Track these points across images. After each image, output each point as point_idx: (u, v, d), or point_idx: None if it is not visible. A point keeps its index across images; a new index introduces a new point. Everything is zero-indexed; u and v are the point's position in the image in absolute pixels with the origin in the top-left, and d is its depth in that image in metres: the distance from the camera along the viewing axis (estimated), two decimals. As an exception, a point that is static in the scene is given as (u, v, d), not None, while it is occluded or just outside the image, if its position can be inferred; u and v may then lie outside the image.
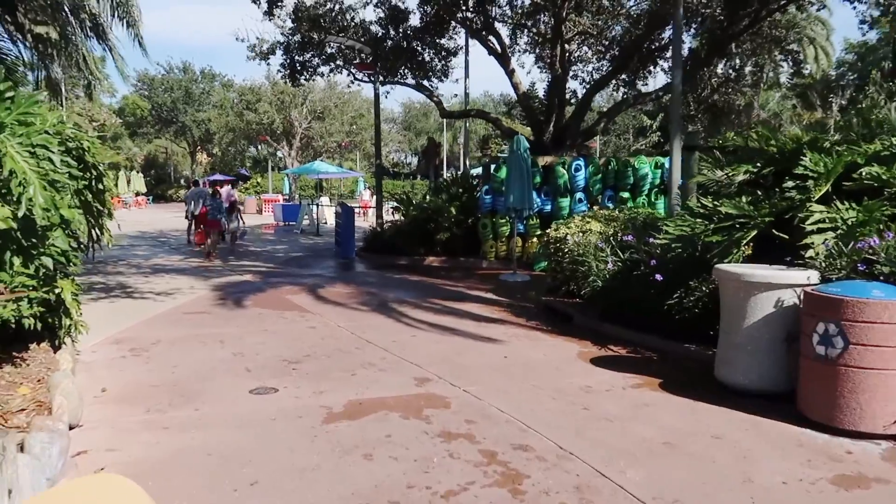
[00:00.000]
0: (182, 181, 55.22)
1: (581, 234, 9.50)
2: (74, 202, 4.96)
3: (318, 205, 24.05)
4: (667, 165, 13.71)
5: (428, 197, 16.53)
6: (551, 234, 10.06)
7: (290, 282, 11.79)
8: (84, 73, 16.96)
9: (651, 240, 7.31)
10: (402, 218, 16.32)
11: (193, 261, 14.71)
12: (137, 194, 47.70)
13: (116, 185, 45.41)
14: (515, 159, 12.26)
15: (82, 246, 5.77)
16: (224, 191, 18.50)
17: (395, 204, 16.97)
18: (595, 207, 14.36)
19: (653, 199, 13.70)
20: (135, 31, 16.27)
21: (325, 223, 24.96)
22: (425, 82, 18.36)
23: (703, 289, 6.65)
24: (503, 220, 14.23)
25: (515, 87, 14.86)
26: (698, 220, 7.03)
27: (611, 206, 13.67)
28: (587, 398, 5.37)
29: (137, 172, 51.82)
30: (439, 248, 14.79)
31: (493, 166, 14.67)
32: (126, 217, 32.77)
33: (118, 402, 5.07)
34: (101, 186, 5.08)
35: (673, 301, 6.81)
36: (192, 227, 17.99)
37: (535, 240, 14.09)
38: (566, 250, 9.44)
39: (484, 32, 14.72)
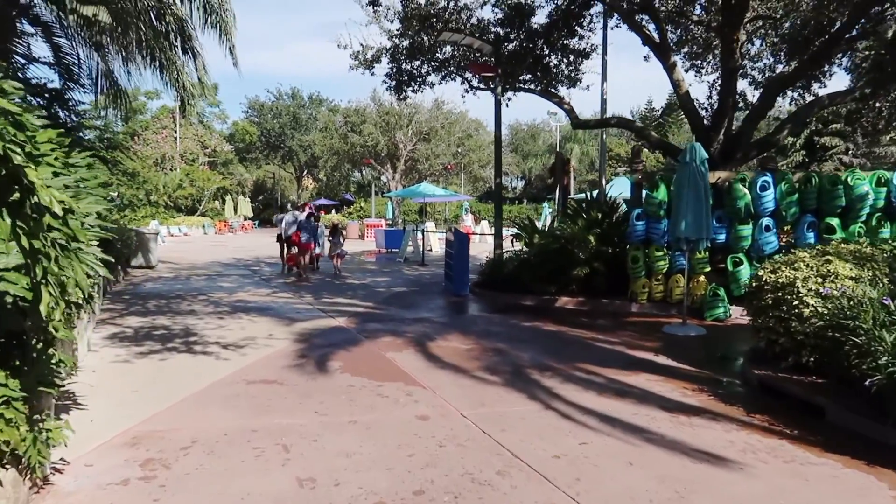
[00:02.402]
0: (289, 206, 55.23)
1: (821, 280, 6.35)
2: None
3: (423, 231, 21.70)
4: (895, 181, 10.23)
5: (556, 222, 13.70)
6: (766, 276, 6.92)
7: (391, 330, 9.24)
8: (176, 87, 15.48)
9: None
10: (525, 247, 13.55)
11: (281, 296, 12.53)
12: (245, 219, 47.82)
13: (224, 209, 45.81)
14: (690, 174, 9.20)
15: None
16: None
17: (517, 231, 14.21)
18: (783, 237, 11.09)
19: (873, 226, 10.18)
20: (228, 42, 14.69)
21: (430, 251, 22.61)
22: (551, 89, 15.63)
23: None
24: (659, 253, 11.14)
25: (676, 85, 11.76)
26: None
27: (812, 235, 10.30)
28: None
29: (246, 197, 52.13)
30: (575, 287, 11.85)
31: (645, 185, 11.65)
32: (229, 242, 32.05)
33: None
34: (34, 202, 2.60)
35: None
36: (284, 251, 17.25)
37: (701, 278, 10.89)
38: (795, 303, 6.32)
39: (639, 15, 11.71)
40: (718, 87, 12.64)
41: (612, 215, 12.70)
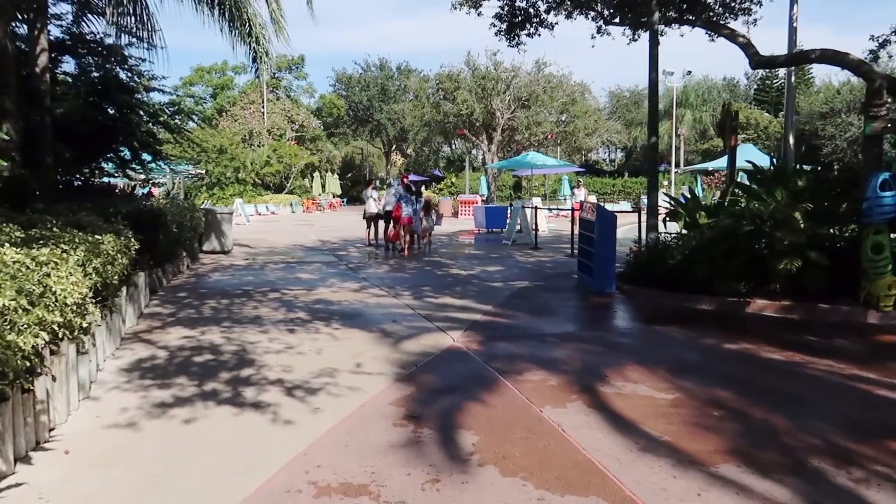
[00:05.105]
0: (378, 183, 53.16)
1: None
2: None
3: (533, 209, 18.48)
4: None
5: (728, 196, 10.20)
6: None
7: (533, 356, 6.19)
8: (247, 40, 12.93)
9: None
10: (685, 230, 10.17)
11: (371, 294, 9.72)
12: (333, 196, 46.06)
13: (311, 186, 44.11)
14: None
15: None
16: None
17: (671, 204, 10.75)
18: None
19: None
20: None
21: (534, 230, 19.33)
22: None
23: None
24: (920, 239, 7.54)
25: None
26: None
27: None
28: None
29: (334, 174, 50.38)
30: (778, 286, 8.42)
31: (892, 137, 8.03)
32: (316, 221, 29.91)
33: None
34: None
35: None
36: (372, 230, 17.21)
37: None
38: None
39: None
40: None
41: (826, 184, 9.12)
